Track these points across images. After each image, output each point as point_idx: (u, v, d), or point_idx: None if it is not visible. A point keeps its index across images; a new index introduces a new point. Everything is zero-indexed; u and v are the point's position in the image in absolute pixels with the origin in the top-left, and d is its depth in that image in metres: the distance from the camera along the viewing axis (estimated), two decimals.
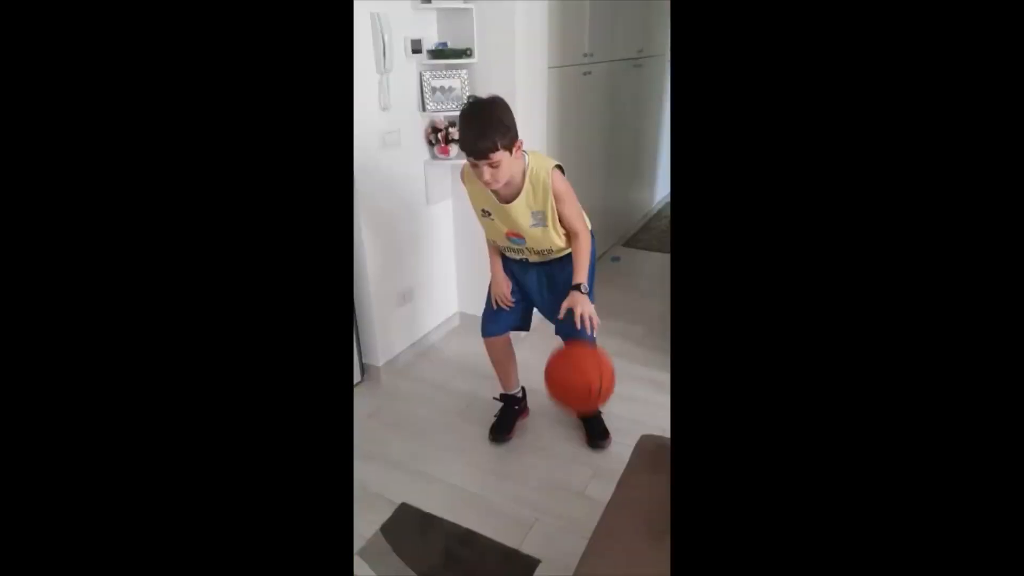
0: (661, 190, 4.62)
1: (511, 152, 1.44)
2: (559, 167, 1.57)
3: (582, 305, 1.53)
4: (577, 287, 1.55)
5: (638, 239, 3.83)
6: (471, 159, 1.44)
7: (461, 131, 1.44)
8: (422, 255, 2.45)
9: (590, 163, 3.11)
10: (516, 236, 1.65)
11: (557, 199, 1.56)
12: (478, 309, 2.65)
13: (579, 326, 1.53)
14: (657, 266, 3.45)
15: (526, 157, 1.54)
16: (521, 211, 1.58)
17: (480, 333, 1.91)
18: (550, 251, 1.68)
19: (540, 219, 1.59)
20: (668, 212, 4.42)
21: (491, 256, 1.81)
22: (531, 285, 1.77)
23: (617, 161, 3.47)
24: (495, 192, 1.57)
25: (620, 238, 3.76)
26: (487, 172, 1.44)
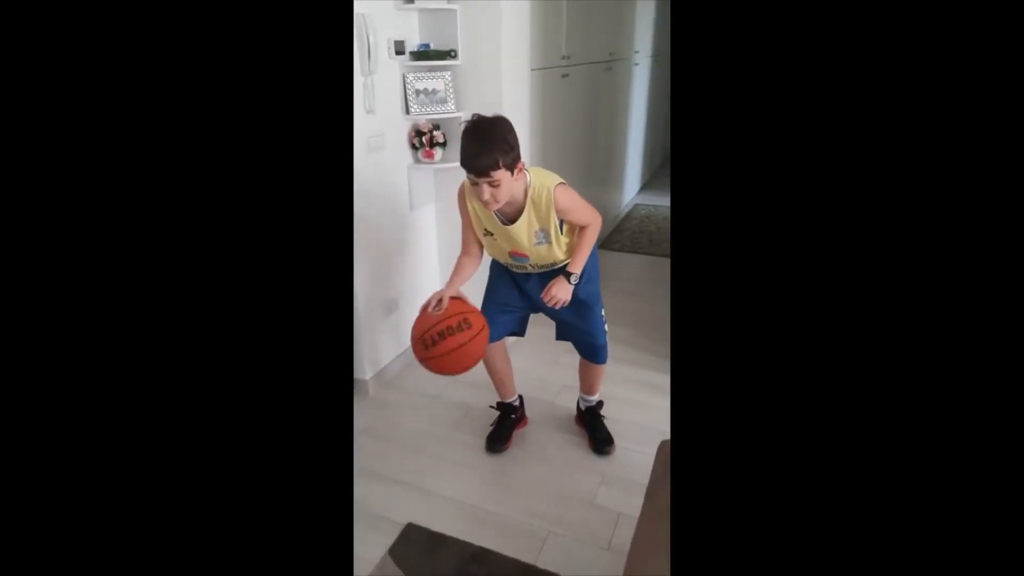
0: (629, 192, 4.67)
1: (512, 172, 1.40)
2: (562, 184, 1.54)
3: (558, 287, 1.57)
4: (568, 275, 1.58)
5: (612, 241, 3.85)
6: (471, 176, 1.39)
7: (463, 147, 1.38)
8: (407, 262, 2.37)
9: (570, 166, 3.09)
10: (519, 255, 1.62)
11: (565, 214, 1.53)
12: None
13: (545, 299, 1.60)
14: (634, 267, 3.47)
15: (528, 175, 1.50)
16: (523, 231, 1.54)
17: None
18: (553, 264, 1.65)
19: (543, 237, 1.56)
20: (638, 214, 4.47)
21: (455, 272, 1.67)
22: (533, 290, 1.74)
23: (593, 164, 3.47)
24: (498, 212, 1.53)
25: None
26: (486, 191, 1.39)
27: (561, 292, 1.58)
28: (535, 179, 1.51)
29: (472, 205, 1.58)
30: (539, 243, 1.57)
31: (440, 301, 1.57)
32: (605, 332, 1.79)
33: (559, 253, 1.61)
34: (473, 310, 1.60)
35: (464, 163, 1.38)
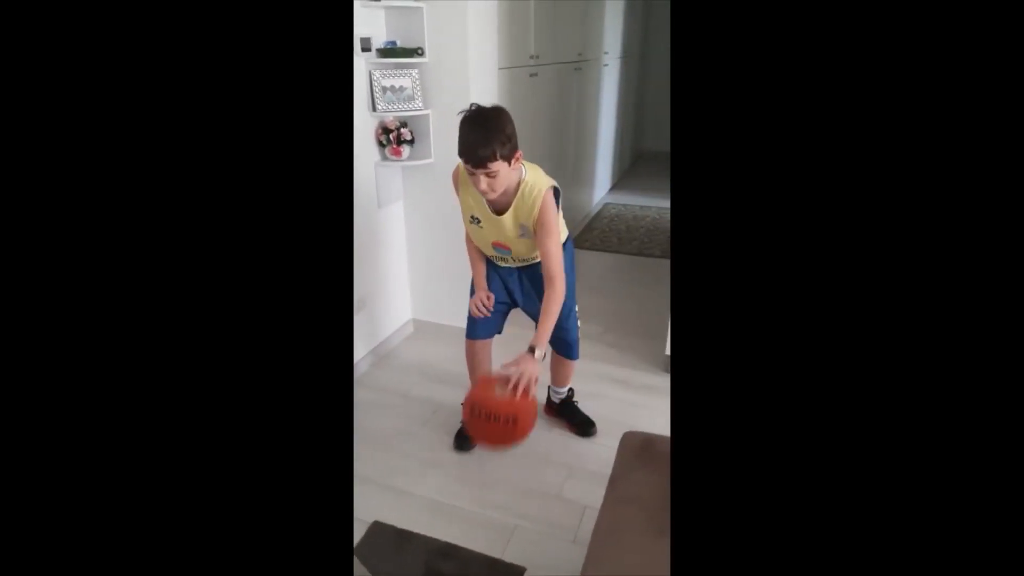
0: (600, 191, 4.72)
1: (510, 163, 1.41)
2: (555, 189, 1.54)
3: (524, 367, 1.40)
4: (531, 350, 1.45)
5: (583, 239, 3.89)
6: (468, 166, 1.39)
7: (461, 136, 1.38)
8: (375, 260, 2.36)
9: (539, 165, 3.11)
10: (502, 247, 1.62)
11: (540, 225, 1.50)
12: (432, 315, 2.60)
13: (510, 389, 1.38)
14: (604, 265, 3.51)
15: (524, 170, 1.51)
16: (510, 222, 1.55)
17: (466, 336, 1.85)
18: (535, 259, 1.66)
19: (527, 231, 1.56)
20: (608, 212, 4.52)
21: (473, 264, 1.75)
22: (514, 286, 1.75)
23: (562, 163, 3.50)
24: (488, 201, 1.53)
25: None
26: (483, 181, 1.40)
27: (523, 367, 1.41)
28: (531, 175, 1.51)
29: (465, 188, 1.58)
30: (523, 235, 1.57)
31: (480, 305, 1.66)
32: (578, 328, 1.81)
33: None
34: (527, 411, 1.42)
35: (462, 153, 1.38)
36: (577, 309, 1.81)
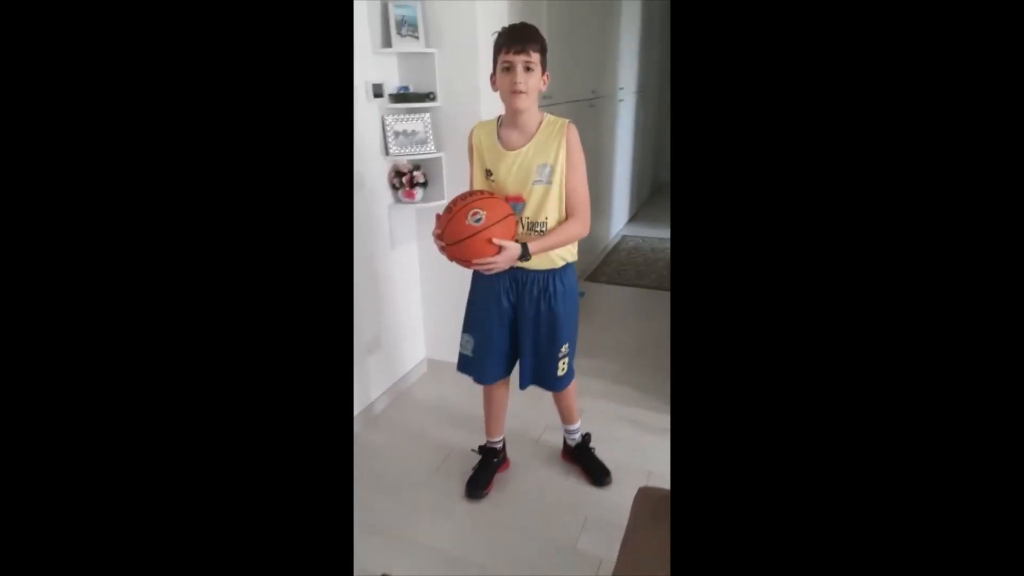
0: (617, 223, 4.69)
1: (543, 69, 1.47)
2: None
3: (504, 252, 1.45)
4: (523, 245, 1.48)
5: (600, 273, 3.85)
6: (509, 56, 1.42)
7: (503, 33, 1.45)
8: (388, 300, 2.36)
9: None
10: (515, 201, 1.55)
11: (570, 152, 1.51)
12: (446, 355, 2.58)
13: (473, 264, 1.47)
14: (622, 300, 3.47)
15: (543, 113, 1.55)
16: (528, 161, 1.51)
17: (475, 381, 1.81)
18: (544, 224, 1.55)
19: (546, 175, 1.51)
20: (626, 245, 4.48)
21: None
22: (515, 304, 1.68)
23: None
24: (502, 141, 1.54)
25: (583, 273, 3.77)
26: (520, 73, 1.42)
27: (503, 258, 1.46)
28: (550, 115, 1.55)
29: (479, 137, 1.59)
30: (539, 181, 1.51)
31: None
32: (559, 368, 1.73)
33: (556, 205, 1.54)
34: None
35: (506, 36, 1.43)
36: (566, 348, 1.71)
